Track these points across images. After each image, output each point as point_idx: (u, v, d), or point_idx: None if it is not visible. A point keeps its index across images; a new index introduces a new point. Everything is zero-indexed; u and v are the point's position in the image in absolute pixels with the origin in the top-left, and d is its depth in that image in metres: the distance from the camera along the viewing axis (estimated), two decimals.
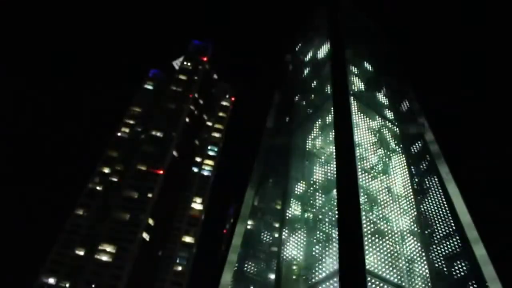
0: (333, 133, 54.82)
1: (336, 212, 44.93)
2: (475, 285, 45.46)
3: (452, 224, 50.94)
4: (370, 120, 62.03)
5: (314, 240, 49.46)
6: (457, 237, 49.61)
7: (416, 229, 51.01)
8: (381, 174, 54.83)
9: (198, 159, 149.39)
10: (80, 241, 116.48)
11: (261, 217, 60.67)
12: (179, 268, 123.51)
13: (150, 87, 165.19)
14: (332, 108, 60.04)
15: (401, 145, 63.10)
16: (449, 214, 52.42)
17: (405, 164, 60.16)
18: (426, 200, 55.59)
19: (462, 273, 46.66)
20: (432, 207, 54.46)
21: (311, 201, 54.35)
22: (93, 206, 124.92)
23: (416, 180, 58.50)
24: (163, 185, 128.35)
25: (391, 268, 43.88)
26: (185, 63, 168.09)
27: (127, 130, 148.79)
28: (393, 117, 68.10)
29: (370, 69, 74.42)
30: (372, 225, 46.57)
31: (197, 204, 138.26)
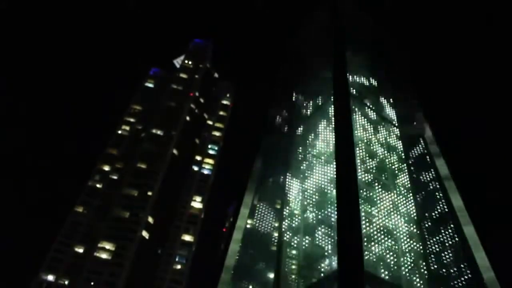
0: (333, 133, 54.91)
1: (336, 212, 45.03)
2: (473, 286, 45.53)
3: (451, 224, 51.01)
4: (370, 120, 62.10)
5: (313, 240, 49.56)
6: (456, 236, 49.67)
7: (414, 229, 51.10)
8: (381, 175, 54.91)
9: (198, 158, 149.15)
10: (79, 239, 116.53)
11: (260, 216, 60.81)
12: (178, 267, 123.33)
13: (150, 85, 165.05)
14: (332, 108, 60.14)
15: (401, 145, 63.18)
16: (448, 214, 52.49)
17: (404, 164, 60.24)
18: (425, 199, 55.69)
19: (459, 272, 46.71)
20: (431, 206, 54.56)
21: (311, 201, 54.44)
22: (93, 203, 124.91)
23: (416, 180, 58.60)
24: (163, 184, 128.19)
25: (389, 269, 43.98)
26: (186, 61, 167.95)
27: (127, 128, 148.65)
28: (393, 117, 68.15)
29: (371, 69, 74.41)
30: (371, 226, 46.67)
31: (196, 203, 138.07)
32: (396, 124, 66.76)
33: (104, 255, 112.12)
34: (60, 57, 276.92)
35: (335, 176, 48.62)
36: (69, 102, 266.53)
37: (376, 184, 52.28)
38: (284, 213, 57.34)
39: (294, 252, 51.79)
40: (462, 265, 46.74)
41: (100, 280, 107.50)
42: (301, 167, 60.99)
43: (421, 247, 49.31)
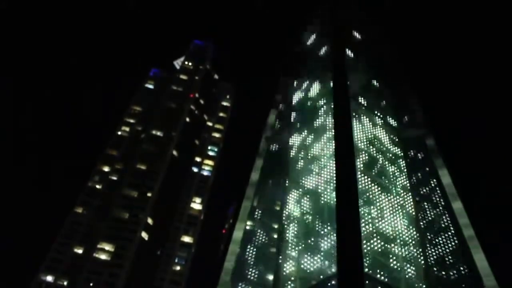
0: (333, 135, 54.85)
1: (335, 214, 44.96)
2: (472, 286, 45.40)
3: (451, 226, 50.88)
4: (370, 123, 62.07)
5: (313, 242, 49.49)
6: (455, 239, 49.55)
7: (414, 231, 51.02)
8: (381, 176, 54.85)
9: (198, 159, 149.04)
10: (79, 239, 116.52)
11: (260, 218, 60.67)
12: (178, 268, 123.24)
13: (151, 86, 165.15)
14: (332, 110, 60.10)
15: (400, 147, 63.12)
16: (447, 216, 52.36)
17: (404, 165, 60.17)
18: (424, 201, 55.60)
19: (459, 275, 46.59)
20: (430, 208, 54.43)
21: (310, 203, 54.39)
22: (93, 204, 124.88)
23: (415, 182, 58.50)
24: (162, 185, 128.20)
25: (389, 271, 43.90)
26: (186, 62, 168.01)
27: (127, 129, 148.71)
28: (393, 118, 68.10)
29: (370, 70, 74.39)
30: (370, 228, 46.61)
31: (196, 204, 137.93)
32: (396, 125, 66.70)
33: (103, 256, 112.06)
34: (60, 57, 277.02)
35: (334, 177, 48.55)
36: (69, 102, 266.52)
37: (376, 186, 52.22)
38: (284, 214, 57.27)
39: (293, 254, 51.69)
40: (461, 268, 46.61)
41: (100, 280, 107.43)
42: (301, 169, 60.94)
43: (420, 250, 49.22)
